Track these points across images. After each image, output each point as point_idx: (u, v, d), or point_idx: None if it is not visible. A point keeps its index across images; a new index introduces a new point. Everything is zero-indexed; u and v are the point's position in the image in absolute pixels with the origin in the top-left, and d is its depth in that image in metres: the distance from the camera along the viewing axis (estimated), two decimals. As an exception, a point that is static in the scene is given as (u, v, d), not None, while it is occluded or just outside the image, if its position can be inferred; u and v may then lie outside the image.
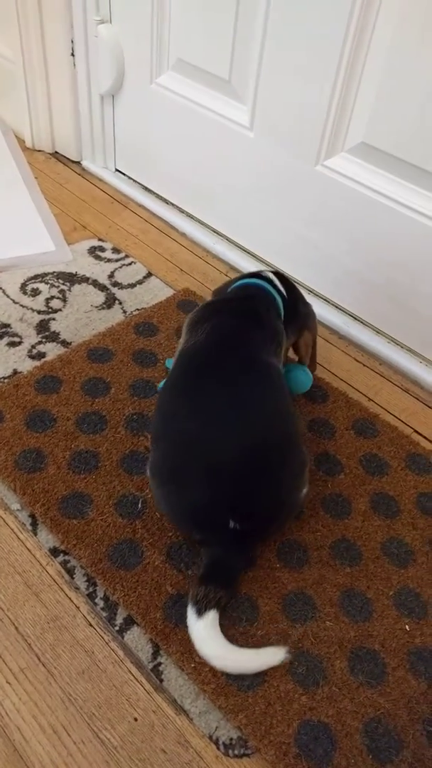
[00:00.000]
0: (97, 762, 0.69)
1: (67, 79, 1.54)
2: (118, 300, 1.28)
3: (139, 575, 0.83)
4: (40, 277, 1.30)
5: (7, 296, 1.25)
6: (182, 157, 1.45)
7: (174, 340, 1.19)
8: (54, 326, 1.20)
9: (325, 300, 1.33)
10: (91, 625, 0.80)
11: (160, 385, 1.09)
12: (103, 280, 1.32)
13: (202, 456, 0.78)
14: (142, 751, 0.70)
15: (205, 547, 0.83)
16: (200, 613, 0.75)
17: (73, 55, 1.50)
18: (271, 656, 0.76)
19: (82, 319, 1.22)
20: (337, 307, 1.32)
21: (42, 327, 1.19)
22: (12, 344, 1.15)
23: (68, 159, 1.70)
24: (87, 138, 1.63)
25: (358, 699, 0.75)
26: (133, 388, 1.09)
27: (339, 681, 0.77)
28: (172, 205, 1.55)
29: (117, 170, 1.66)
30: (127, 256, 1.39)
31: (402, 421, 1.12)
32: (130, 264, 1.37)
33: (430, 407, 1.16)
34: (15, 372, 1.10)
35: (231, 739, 0.72)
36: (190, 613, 0.75)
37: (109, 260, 1.37)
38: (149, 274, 1.35)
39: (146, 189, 1.60)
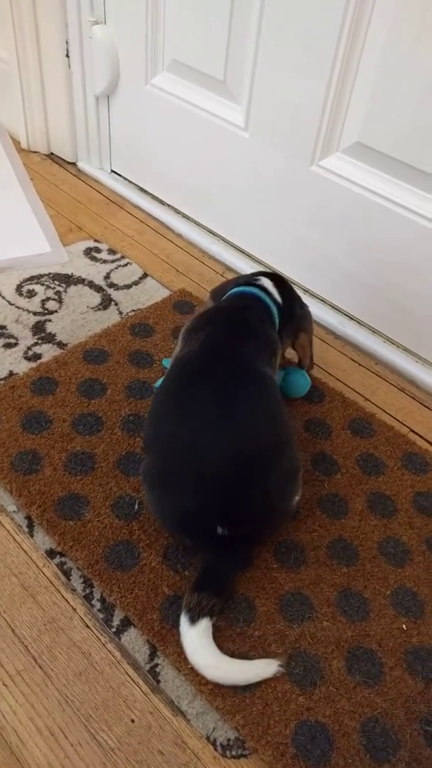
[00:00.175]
0: (94, 764, 0.69)
1: (62, 80, 1.54)
2: (114, 301, 1.28)
3: (135, 576, 0.83)
4: (35, 279, 1.30)
5: (3, 298, 1.24)
6: (178, 158, 1.45)
7: (170, 340, 1.19)
8: (50, 327, 1.20)
9: (321, 300, 1.33)
10: (87, 626, 0.80)
11: (157, 384, 1.09)
12: (99, 281, 1.32)
13: (191, 462, 0.77)
14: (139, 753, 0.70)
15: (199, 553, 0.83)
16: (193, 621, 0.74)
17: (68, 56, 1.50)
18: (263, 668, 0.75)
19: (78, 321, 1.22)
20: (333, 307, 1.32)
21: (38, 328, 1.19)
22: (8, 346, 1.15)
23: (64, 160, 1.70)
24: (82, 139, 1.63)
25: (356, 699, 0.75)
26: (130, 389, 1.09)
27: (336, 681, 0.77)
28: (168, 205, 1.55)
29: (112, 171, 1.66)
30: (122, 257, 1.39)
31: (398, 421, 1.12)
32: (125, 265, 1.37)
33: (426, 406, 1.16)
34: (11, 373, 1.09)
35: (228, 739, 0.72)
36: (183, 621, 0.75)
37: (104, 261, 1.37)
38: (145, 275, 1.35)
39: (142, 190, 1.60)
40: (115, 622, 0.80)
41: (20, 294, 1.26)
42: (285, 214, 1.29)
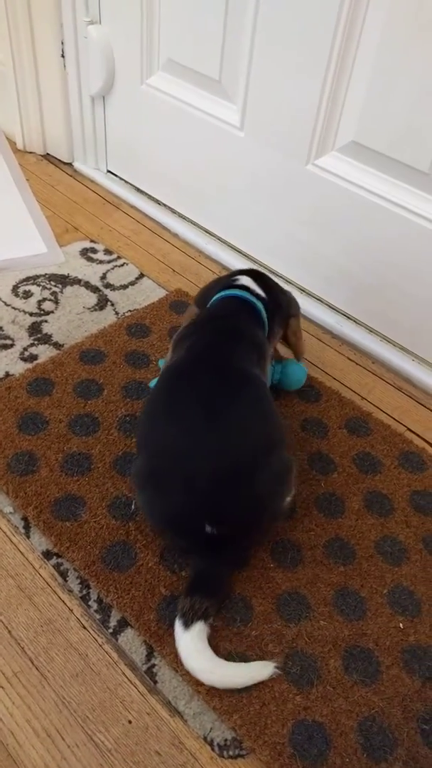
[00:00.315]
0: (91, 765, 0.69)
1: (58, 81, 1.54)
2: (111, 301, 1.28)
3: (132, 577, 0.83)
4: (32, 279, 1.30)
5: (-1, 299, 1.24)
6: (174, 158, 1.45)
7: (167, 341, 1.19)
8: (46, 328, 1.19)
9: (317, 299, 1.33)
10: (84, 627, 0.79)
11: (152, 383, 1.09)
12: (95, 281, 1.32)
13: (179, 462, 0.77)
14: (136, 754, 0.70)
15: (191, 556, 0.83)
16: (187, 625, 0.74)
17: (63, 56, 1.50)
18: (259, 670, 0.75)
19: (75, 321, 1.22)
20: (329, 305, 1.32)
21: (34, 329, 1.19)
22: (4, 347, 1.14)
23: (59, 160, 1.70)
24: (78, 139, 1.63)
25: (353, 698, 0.75)
26: (126, 389, 1.08)
27: (333, 680, 0.77)
28: (164, 205, 1.55)
29: (108, 171, 1.66)
30: (119, 258, 1.39)
31: (395, 419, 1.12)
32: (122, 265, 1.37)
33: (422, 405, 1.16)
34: (7, 374, 1.09)
35: (226, 740, 0.72)
36: (177, 625, 0.75)
37: (101, 262, 1.37)
38: (141, 275, 1.35)
39: (138, 190, 1.60)
40: (112, 622, 0.80)
41: (16, 295, 1.26)
42: (281, 214, 1.29)
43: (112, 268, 1.36)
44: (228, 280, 1.01)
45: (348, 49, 1.04)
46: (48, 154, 1.72)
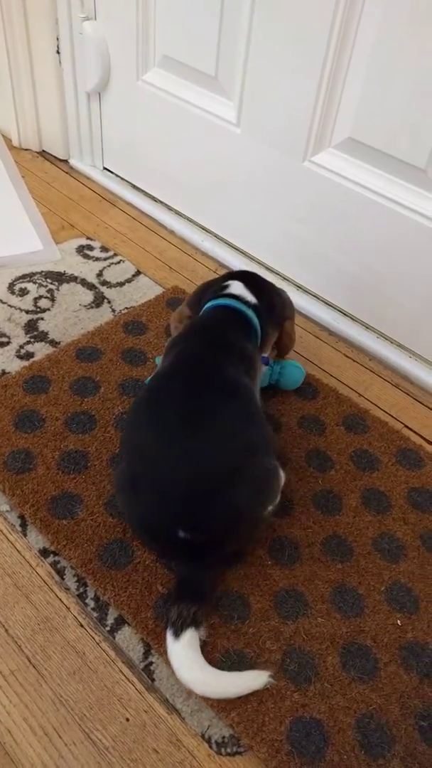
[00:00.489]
0: (88, 763, 0.69)
1: (53, 77, 1.53)
2: (107, 299, 1.27)
3: (129, 575, 0.83)
4: (28, 277, 1.30)
5: (-5, 296, 1.24)
6: (170, 155, 1.44)
7: (163, 338, 1.19)
8: (42, 326, 1.19)
9: (314, 296, 1.33)
10: (81, 625, 0.79)
11: (149, 380, 1.09)
12: (92, 278, 1.31)
13: (154, 466, 0.77)
14: (134, 752, 0.70)
15: (174, 566, 0.83)
16: (177, 634, 0.73)
17: (58, 52, 1.49)
18: (252, 680, 0.74)
19: (71, 319, 1.21)
20: (326, 302, 1.31)
21: (30, 327, 1.18)
22: (0, 344, 1.14)
23: (55, 157, 1.69)
24: (74, 136, 1.62)
25: (350, 695, 0.75)
26: (123, 387, 1.08)
27: (331, 677, 0.77)
28: (160, 202, 1.55)
29: (105, 168, 1.65)
30: (115, 255, 1.38)
31: (392, 416, 1.12)
32: (118, 262, 1.37)
33: (420, 402, 1.16)
34: (3, 372, 1.09)
35: (223, 737, 0.72)
36: (168, 636, 0.74)
37: (97, 259, 1.37)
38: (138, 273, 1.35)
39: (134, 187, 1.59)
40: (109, 620, 0.80)
41: (12, 292, 1.25)
42: (277, 210, 1.29)
43: (109, 266, 1.35)
44: (219, 285, 0.99)
45: (344, 46, 1.03)
46: (44, 151, 1.71)
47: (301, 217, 1.25)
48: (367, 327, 1.26)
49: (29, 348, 1.14)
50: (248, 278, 1.01)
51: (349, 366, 1.22)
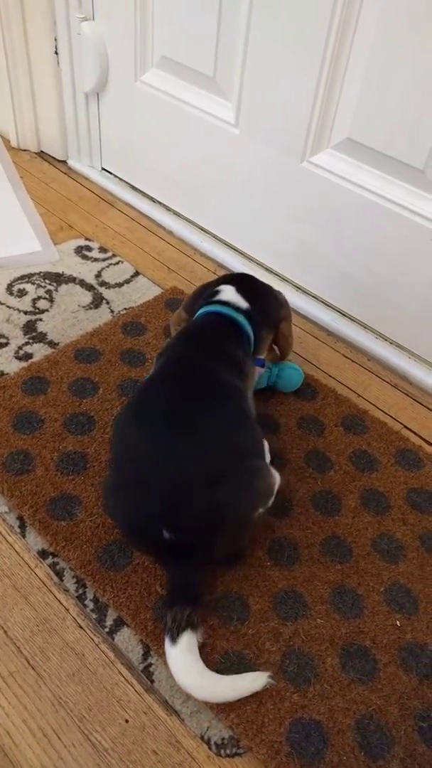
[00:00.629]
0: (88, 765, 0.69)
1: (51, 78, 1.53)
2: (106, 299, 1.27)
3: (128, 576, 0.83)
4: (26, 278, 1.29)
5: (-7, 297, 1.24)
6: (168, 155, 1.44)
7: (162, 339, 1.19)
8: (41, 327, 1.19)
9: (313, 296, 1.33)
10: (80, 627, 0.79)
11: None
12: (90, 279, 1.31)
13: (138, 467, 0.77)
14: (133, 753, 0.70)
15: (165, 569, 0.82)
16: (173, 639, 0.72)
17: (56, 53, 1.49)
18: (252, 682, 0.73)
19: (70, 320, 1.21)
20: (325, 303, 1.31)
21: (29, 328, 1.18)
22: (-2, 345, 1.14)
23: (54, 158, 1.69)
24: (72, 137, 1.62)
25: (350, 696, 0.75)
26: (122, 388, 1.08)
27: (330, 678, 0.77)
28: (159, 203, 1.55)
29: (103, 169, 1.65)
30: (114, 255, 1.38)
31: (391, 417, 1.12)
32: (117, 263, 1.36)
33: (419, 402, 1.16)
34: (2, 373, 1.09)
35: (223, 738, 0.72)
36: (166, 641, 0.73)
37: (96, 260, 1.37)
38: (136, 273, 1.35)
39: (133, 187, 1.59)
40: (108, 622, 0.80)
41: (11, 293, 1.25)
42: (276, 211, 1.29)
43: (107, 266, 1.35)
44: (211, 290, 0.99)
45: (342, 46, 1.03)
46: (42, 151, 1.71)
47: (300, 218, 1.25)
48: (366, 327, 1.26)
49: (28, 349, 1.14)
50: (242, 282, 1.00)
51: (348, 366, 1.22)
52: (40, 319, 1.20)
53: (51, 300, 1.25)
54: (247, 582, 0.84)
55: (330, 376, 1.19)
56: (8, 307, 1.22)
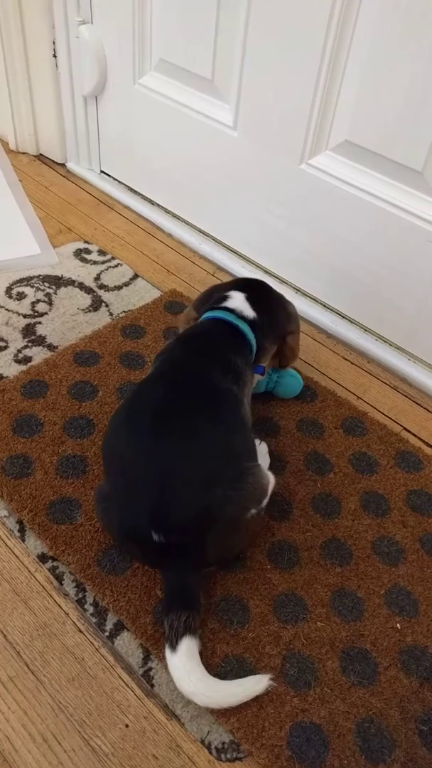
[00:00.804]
0: (88, 770, 0.68)
1: (50, 81, 1.53)
2: (105, 302, 1.27)
3: (128, 580, 0.83)
4: (25, 281, 1.29)
5: (-8, 300, 1.24)
6: (167, 158, 1.44)
7: (161, 341, 1.19)
8: (40, 330, 1.19)
9: (312, 299, 1.33)
10: (80, 631, 0.79)
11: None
12: (89, 282, 1.31)
13: (128, 468, 0.77)
14: (133, 758, 0.70)
15: (160, 575, 0.82)
16: (173, 646, 0.72)
17: (55, 56, 1.49)
18: (253, 686, 0.73)
19: (69, 323, 1.21)
20: (324, 305, 1.31)
21: (28, 331, 1.18)
22: (-2, 349, 1.14)
23: (53, 161, 1.69)
24: (71, 140, 1.62)
25: (350, 699, 0.75)
26: (121, 391, 1.08)
27: (331, 682, 0.76)
28: (158, 206, 1.55)
29: (102, 172, 1.65)
30: (113, 258, 1.38)
31: (391, 419, 1.12)
32: (116, 266, 1.36)
33: (418, 404, 1.16)
34: (1, 377, 1.09)
35: (223, 743, 0.71)
36: (166, 649, 0.73)
37: (95, 262, 1.37)
38: (136, 276, 1.35)
39: (131, 190, 1.59)
40: (108, 626, 0.79)
41: (10, 296, 1.25)
42: (274, 213, 1.29)
43: (106, 269, 1.35)
44: (220, 295, 0.98)
45: (340, 48, 1.03)
46: (41, 154, 1.71)
47: (299, 220, 1.25)
48: (366, 329, 1.26)
49: (27, 352, 1.14)
50: (254, 289, 1.00)
51: (347, 368, 1.21)
52: (39, 323, 1.20)
53: (50, 303, 1.25)
54: (247, 585, 0.84)
55: (329, 378, 1.18)
56: (7, 310, 1.22)
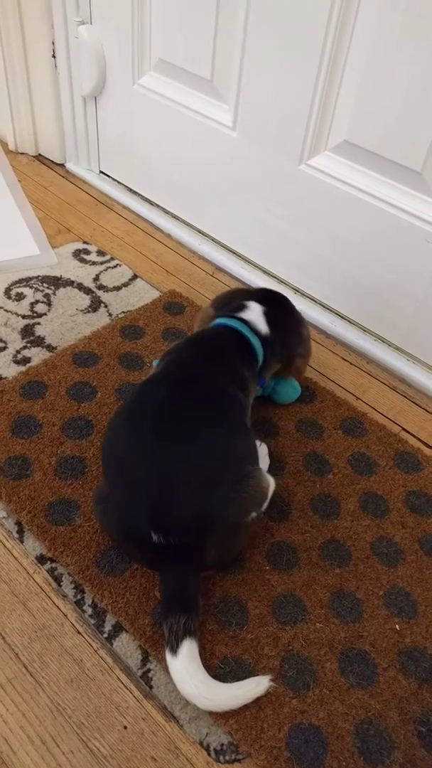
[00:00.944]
0: (86, 772, 0.68)
1: (49, 81, 1.53)
2: (104, 303, 1.27)
3: (127, 581, 0.83)
4: (24, 282, 1.29)
5: (-9, 301, 1.24)
6: (166, 158, 1.44)
7: (160, 342, 1.19)
8: (39, 331, 1.19)
9: (311, 299, 1.33)
10: (79, 632, 0.79)
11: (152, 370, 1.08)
12: (88, 283, 1.31)
13: (128, 468, 0.77)
14: (132, 760, 0.70)
15: (159, 577, 0.82)
16: (173, 650, 0.71)
17: (54, 56, 1.49)
18: (254, 687, 0.73)
19: (68, 323, 1.21)
20: (323, 306, 1.31)
21: (27, 332, 1.18)
22: (-4, 350, 1.14)
23: (52, 161, 1.69)
24: (71, 140, 1.62)
25: (349, 701, 0.75)
26: (120, 392, 1.08)
27: (329, 683, 0.76)
28: (157, 206, 1.55)
29: (101, 172, 1.65)
30: (112, 259, 1.38)
31: (390, 419, 1.12)
32: (115, 266, 1.36)
33: (417, 404, 1.16)
34: (0, 377, 1.08)
35: (222, 744, 0.71)
36: (166, 653, 0.72)
37: (94, 263, 1.36)
38: (135, 276, 1.35)
39: (131, 190, 1.59)
40: (107, 627, 0.79)
41: (9, 297, 1.25)
42: (274, 213, 1.28)
43: (105, 270, 1.35)
44: (239, 303, 0.98)
45: (339, 48, 1.03)
46: (40, 154, 1.71)
47: (298, 221, 1.25)
48: (365, 330, 1.26)
49: (26, 353, 1.14)
50: (274, 304, 1.00)
51: (346, 369, 1.21)
52: (38, 323, 1.20)
53: (49, 304, 1.25)
54: (245, 586, 0.84)
55: (328, 378, 1.18)
56: (6, 311, 1.22)
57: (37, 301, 1.25)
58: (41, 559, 0.85)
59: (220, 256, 1.41)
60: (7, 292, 1.26)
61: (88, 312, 1.24)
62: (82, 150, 1.62)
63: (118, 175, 1.62)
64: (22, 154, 1.70)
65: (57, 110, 1.57)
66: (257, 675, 0.75)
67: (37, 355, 1.14)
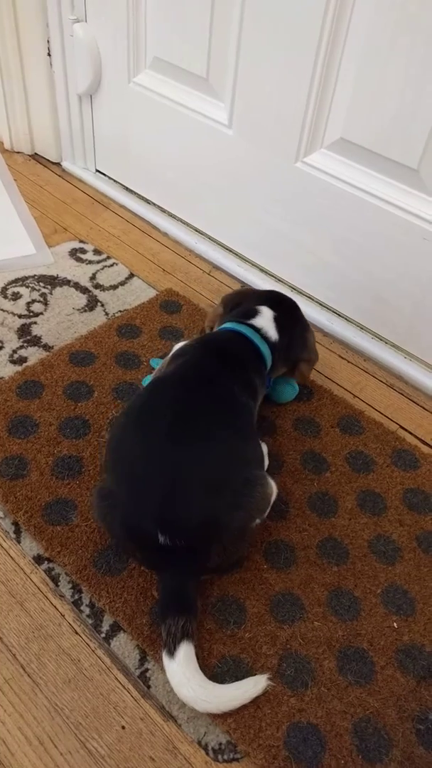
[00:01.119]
0: (84, 772, 0.68)
1: (45, 80, 1.53)
2: (100, 302, 1.27)
3: (124, 581, 0.83)
4: (20, 281, 1.29)
5: (-13, 301, 1.23)
6: (162, 156, 1.44)
7: (157, 341, 1.18)
8: (35, 330, 1.18)
9: (308, 297, 1.32)
10: (76, 632, 0.79)
11: (144, 381, 1.08)
12: (85, 282, 1.31)
13: (137, 469, 0.77)
14: (130, 760, 0.69)
15: (158, 577, 0.81)
16: (171, 653, 0.71)
17: (49, 54, 1.48)
18: (252, 687, 0.73)
19: (64, 323, 1.21)
20: (320, 303, 1.31)
21: (23, 331, 1.18)
22: (-7, 349, 1.13)
23: (48, 160, 1.68)
24: (66, 139, 1.61)
25: (347, 699, 0.75)
26: (117, 391, 1.08)
27: (328, 681, 0.76)
28: (154, 204, 1.54)
29: (97, 171, 1.65)
30: (108, 258, 1.38)
31: (387, 417, 1.12)
32: (111, 265, 1.36)
33: (415, 402, 1.16)
34: (-4, 378, 1.08)
35: (220, 744, 0.71)
36: (163, 656, 0.72)
37: (90, 262, 1.36)
38: (131, 275, 1.34)
39: (127, 189, 1.59)
40: (105, 627, 0.79)
41: (5, 296, 1.25)
42: (270, 211, 1.28)
43: (102, 269, 1.35)
44: (250, 308, 1.00)
45: (335, 45, 1.03)
46: (36, 153, 1.71)
47: (294, 218, 1.25)
48: (362, 328, 1.26)
49: (22, 353, 1.14)
50: (284, 311, 1.02)
51: (344, 367, 1.21)
52: (35, 323, 1.20)
53: (45, 303, 1.24)
54: (243, 585, 0.84)
55: (326, 376, 1.18)
56: (2, 310, 1.21)
57: (33, 301, 1.25)
58: (38, 559, 0.85)
59: (216, 255, 1.41)
60: (4, 291, 1.26)
61: (85, 311, 1.24)
62: (78, 149, 1.62)
63: (114, 173, 1.61)
64: (18, 153, 1.70)
65: (52, 109, 1.57)
66: (255, 674, 0.75)
67: (34, 354, 1.13)
